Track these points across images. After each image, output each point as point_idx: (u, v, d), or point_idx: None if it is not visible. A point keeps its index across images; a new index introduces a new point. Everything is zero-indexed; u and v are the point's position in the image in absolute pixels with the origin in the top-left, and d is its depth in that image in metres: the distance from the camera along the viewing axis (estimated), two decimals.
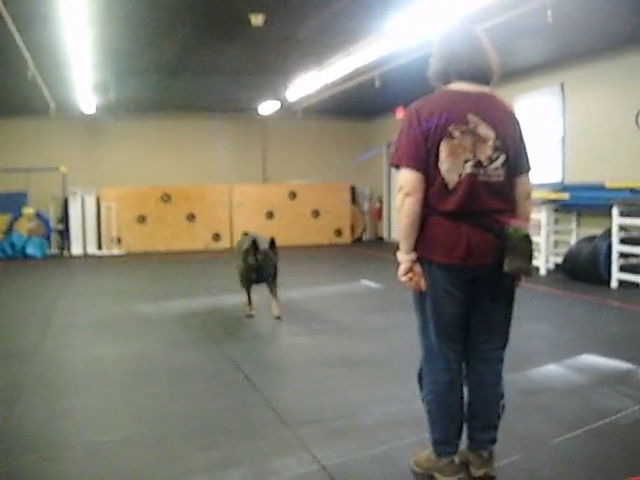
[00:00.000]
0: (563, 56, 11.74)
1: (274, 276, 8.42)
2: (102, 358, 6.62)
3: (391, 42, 9.62)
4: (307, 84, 13.64)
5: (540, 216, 11.65)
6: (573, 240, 11.90)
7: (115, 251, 17.04)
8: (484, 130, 3.48)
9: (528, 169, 3.67)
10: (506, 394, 3.72)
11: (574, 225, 12.10)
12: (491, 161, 3.49)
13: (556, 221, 12.34)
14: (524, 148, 3.65)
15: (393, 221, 19.14)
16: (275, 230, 17.94)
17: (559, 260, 11.61)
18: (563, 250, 11.73)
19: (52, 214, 17.15)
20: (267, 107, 17.10)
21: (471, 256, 3.45)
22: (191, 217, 17.75)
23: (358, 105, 17.75)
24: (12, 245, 16.14)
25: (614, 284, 10.11)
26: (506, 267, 3.42)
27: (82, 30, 8.74)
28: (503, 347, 3.70)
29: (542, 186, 12.13)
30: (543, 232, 11.70)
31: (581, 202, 11.53)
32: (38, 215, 16.72)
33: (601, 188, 10.82)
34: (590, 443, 4.22)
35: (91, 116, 17.00)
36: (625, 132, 10.91)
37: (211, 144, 18.95)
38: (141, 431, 4.63)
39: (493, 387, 3.65)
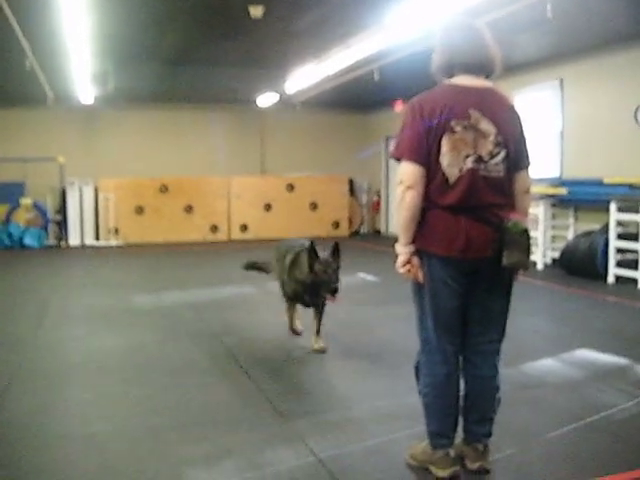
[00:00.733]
0: (562, 51, 11.74)
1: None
2: (97, 349, 6.62)
3: (390, 35, 9.60)
4: (306, 77, 13.61)
5: (538, 211, 11.65)
6: (570, 235, 11.91)
7: (113, 242, 17.03)
8: (485, 125, 3.50)
9: (528, 164, 3.69)
10: (502, 388, 3.73)
11: (572, 220, 12.11)
12: (492, 156, 3.51)
13: (554, 216, 12.35)
14: (524, 144, 3.67)
15: (391, 214, 19.14)
16: (273, 222, 18.09)
17: (556, 255, 11.62)
18: (560, 245, 11.75)
19: (50, 205, 17.13)
20: (266, 99, 17.07)
21: (470, 249, 3.47)
22: (189, 209, 17.74)
23: (357, 98, 17.74)
24: (9, 235, 16.14)
25: (611, 279, 10.12)
26: (505, 261, 3.44)
27: (81, 20, 8.71)
28: (500, 340, 3.72)
29: (540, 181, 12.13)
30: (541, 227, 11.71)
31: (579, 197, 11.54)
32: (36, 205, 16.71)
33: (599, 183, 10.83)
34: (584, 437, 4.23)
35: (89, 106, 16.95)
36: (623, 128, 10.91)
37: (209, 136, 18.91)
38: (135, 422, 4.64)
39: (489, 380, 3.67)
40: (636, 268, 9.74)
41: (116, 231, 17.15)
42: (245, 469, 3.81)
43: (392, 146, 3.66)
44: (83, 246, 16.74)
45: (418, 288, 3.66)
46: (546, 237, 12.04)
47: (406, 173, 3.49)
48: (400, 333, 6.61)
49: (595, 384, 5.35)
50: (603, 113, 11.46)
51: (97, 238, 17.14)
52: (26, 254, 15.11)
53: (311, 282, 5.96)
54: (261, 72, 14.13)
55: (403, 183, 3.50)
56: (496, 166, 3.52)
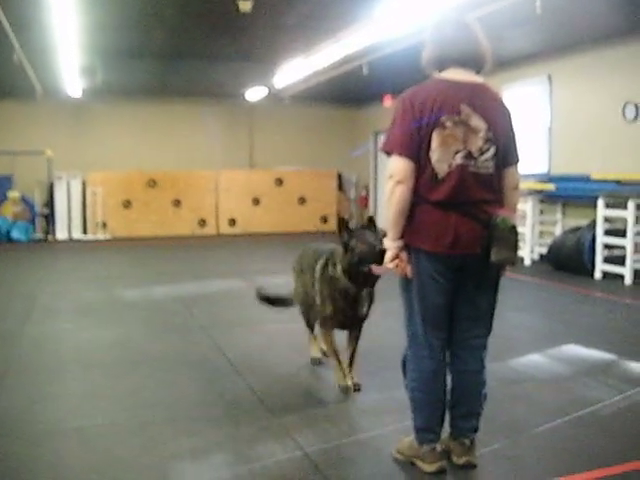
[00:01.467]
0: (551, 47, 11.76)
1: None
2: (87, 343, 6.61)
3: (379, 30, 9.59)
4: (295, 71, 13.60)
5: (526, 206, 11.67)
6: (558, 231, 11.94)
7: (100, 236, 16.97)
8: (476, 121, 3.50)
9: (517, 161, 3.70)
10: (488, 383, 3.75)
11: (559, 216, 12.14)
12: (481, 152, 3.51)
13: (541, 212, 12.38)
14: (514, 140, 3.68)
15: (379, 209, 19.14)
16: (261, 217, 18.09)
17: (544, 250, 11.65)
18: (548, 241, 11.78)
19: (37, 198, 17.03)
20: (254, 93, 17.04)
21: (458, 245, 3.48)
22: (177, 203, 17.69)
23: (346, 93, 17.72)
24: None
25: (598, 275, 10.16)
26: (493, 257, 3.45)
27: (69, 13, 8.66)
28: (486, 335, 3.74)
29: (528, 177, 12.15)
30: (528, 222, 11.73)
31: (567, 193, 11.57)
32: (23, 199, 16.64)
33: (587, 179, 10.87)
34: (571, 432, 4.26)
35: (77, 100, 16.86)
36: (611, 124, 10.95)
37: (198, 130, 18.86)
38: (125, 416, 4.64)
39: (476, 374, 3.69)
40: (623, 264, 9.78)
41: (104, 225, 17.10)
42: (233, 463, 3.82)
43: (382, 140, 3.66)
44: (71, 240, 16.67)
45: (406, 283, 3.66)
46: (534, 233, 12.07)
47: (396, 168, 3.49)
48: (388, 328, 6.61)
49: (582, 379, 5.38)
50: (591, 109, 11.50)
51: (85, 232, 17.07)
52: (13, 248, 15.05)
53: (356, 262, 4.54)
54: (250, 66, 14.09)
55: (393, 178, 3.50)
56: (485, 162, 3.52)
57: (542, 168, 12.53)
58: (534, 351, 6.20)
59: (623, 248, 9.84)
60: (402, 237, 3.58)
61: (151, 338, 6.85)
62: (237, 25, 10.45)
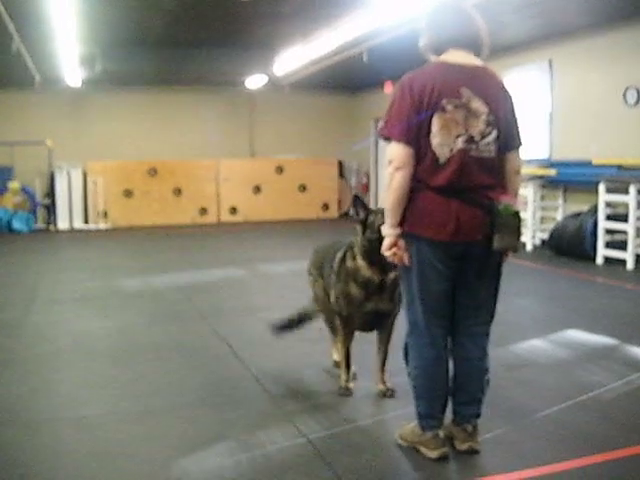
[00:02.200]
0: (551, 32, 11.70)
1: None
2: (87, 332, 6.61)
3: (379, 16, 9.55)
4: (294, 58, 13.55)
5: (527, 192, 11.66)
6: (559, 216, 11.92)
7: (101, 225, 16.96)
8: (477, 104, 3.47)
9: (519, 145, 3.67)
10: (491, 368, 3.74)
11: (561, 201, 12.12)
12: (483, 136, 3.48)
13: (543, 197, 12.36)
14: (516, 123, 3.65)
15: (380, 196, 19.12)
16: (262, 205, 18.08)
17: (545, 236, 11.64)
18: (549, 226, 11.76)
19: (38, 188, 17.04)
20: (254, 81, 16.97)
21: (460, 232, 3.45)
22: (177, 191, 17.67)
23: (346, 80, 17.67)
24: None
25: (599, 260, 10.15)
26: (495, 244, 3.43)
27: (68, 2, 8.62)
28: (489, 322, 3.72)
29: (529, 162, 12.13)
30: (530, 208, 11.72)
31: (568, 178, 11.55)
32: (24, 189, 16.61)
33: (588, 165, 10.84)
34: (573, 417, 4.26)
35: (77, 89, 16.81)
36: (613, 109, 10.91)
37: (198, 118, 18.82)
38: (126, 405, 4.64)
39: (478, 361, 3.68)
40: (625, 249, 9.77)
41: (105, 214, 17.08)
42: (235, 451, 3.82)
43: (380, 124, 3.62)
44: (72, 230, 16.66)
45: (407, 271, 3.63)
46: (535, 218, 12.06)
47: (395, 154, 3.46)
48: None
49: (584, 364, 5.38)
50: (592, 94, 11.45)
51: (86, 222, 17.07)
52: (14, 238, 15.04)
53: (376, 238, 4.03)
54: (250, 54, 14.04)
55: (392, 164, 3.47)
56: (487, 146, 3.50)
57: (543, 153, 12.50)
58: (536, 336, 6.20)
59: (625, 233, 9.83)
60: (401, 224, 3.55)
61: (152, 327, 6.85)
62: (236, 13, 10.40)
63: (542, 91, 12.57)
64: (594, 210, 10.36)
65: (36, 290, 8.67)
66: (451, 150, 3.44)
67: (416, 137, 3.44)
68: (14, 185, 16.32)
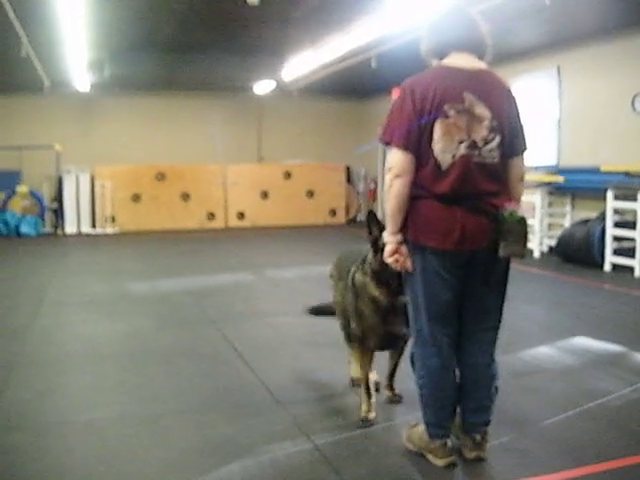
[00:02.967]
0: (560, 38, 11.69)
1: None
2: (95, 336, 6.62)
3: (388, 22, 9.56)
4: (303, 64, 13.57)
5: (535, 198, 11.65)
6: (567, 223, 11.90)
7: (109, 230, 16.99)
8: (480, 109, 3.43)
9: (523, 150, 3.63)
10: (498, 376, 3.73)
11: (568, 208, 12.10)
12: (486, 142, 3.44)
13: (550, 204, 12.34)
14: (520, 128, 3.60)
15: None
16: (269, 210, 18.07)
17: (553, 243, 11.62)
18: (557, 233, 11.74)
19: (46, 192, 17.07)
20: (263, 86, 17.01)
21: (465, 241, 3.42)
22: (185, 196, 17.68)
23: (354, 86, 17.68)
24: (6, 224, 16.07)
25: (607, 267, 10.12)
26: (501, 252, 3.40)
27: (77, 6, 8.66)
28: (496, 329, 3.70)
29: (537, 168, 12.12)
30: (537, 215, 11.70)
31: (576, 185, 11.53)
32: (32, 193, 16.65)
33: (596, 171, 10.81)
34: (581, 425, 4.25)
35: (86, 94, 16.87)
36: (621, 116, 10.89)
37: (206, 123, 18.83)
38: (135, 409, 4.65)
39: (485, 368, 3.66)
40: (633, 256, 9.75)
41: (113, 219, 17.11)
42: (242, 456, 3.82)
43: (380, 129, 3.59)
44: (79, 234, 16.69)
45: (412, 280, 3.61)
46: (543, 225, 12.04)
47: (395, 161, 3.44)
48: None
49: (591, 371, 5.37)
50: (601, 101, 11.44)
51: (93, 226, 17.09)
52: (22, 242, 15.07)
53: (386, 266, 3.77)
54: (258, 59, 14.05)
55: (392, 171, 3.45)
56: (490, 152, 3.46)
57: (551, 160, 12.48)
58: (543, 343, 6.19)
59: (633, 240, 9.81)
60: (401, 231, 3.53)
61: (160, 331, 6.86)
62: (245, 18, 10.43)
63: (550, 98, 12.56)
64: (602, 217, 10.34)
65: (44, 294, 8.69)
66: (453, 156, 3.40)
67: (417, 143, 3.41)
68: (22, 189, 16.36)
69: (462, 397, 3.69)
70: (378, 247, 3.88)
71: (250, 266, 11.05)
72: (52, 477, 3.63)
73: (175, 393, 4.97)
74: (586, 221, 10.83)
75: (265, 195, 18.24)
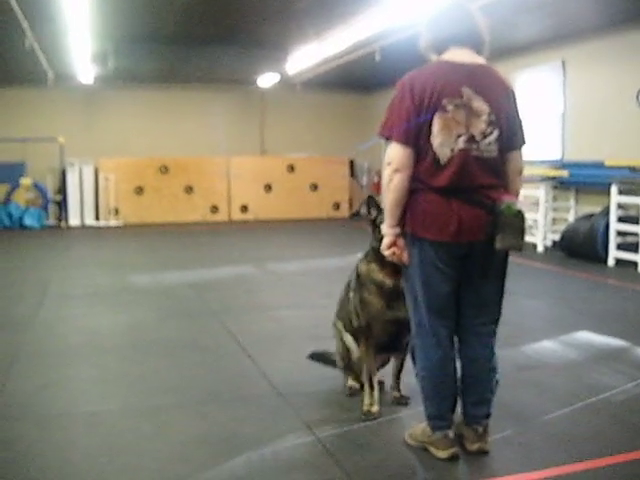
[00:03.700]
0: (564, 33, 11.66)
1: None
2: (98, 329, 6.63)
3: (392, 15, 9.54)
4: (307, 57, 13.56)
5: (539, 193, 11.64)
6: (571, 217, 11.89)
7: (112, 222, 17.00)
8: (478, 104, 3.45)
9: (522, 144, 3.65)
10: (500, 369, 3.73)
11: (572, 202, 12.08)
12: (484, 136, 3.46)
13: (555, 198, 12.32)
14: (519, 123, 3.62)
15: None
16: (273, 203, 18.07)
17: (557, 237, 11.60)
18: (561, 227, 11.72)
19: (50, 185, 17.10)
20: (266, 80, 16.99)
21: (462, 233, 3.44)
22: (189, 189, 17.69)
23: (358, 79, 17.66)
24: (9, 216, 16.11)
25: (611, 262, 10.11)
26: (498, 244, 3.41)
27: None
28: (495, 322, 3.71)
29: (541, 163, 12.10)
30: (541, 209, 11.69)
31: (580, 180, 11.52)
32: (36, 186, 16.67)
33: (600, 166, 10.79)
34: (583, 419, 4.24)
35: (89, 86, 16.89)
36: (625, 110, 10.86)
37: (210, 116, 18.84)
38: (137, 401, 4.65)
39: (485, 361, 3.66)
40: (636, 251, 9.73)
41: (116, 211, 17.12)
42: (244, 448, 3.82)
43: (380, 124, 3.59)
44: (83, 226, 16.71)
45: (410, 272, 3.62)
46: (547, 219, 12.03)
47: (394, 155, 3.46)
48: None
49: (594, 366, 5.36)
50: (605, 95, 11.41)
51: (97, 218, 17.11)
52: (26, 234, 15.10)
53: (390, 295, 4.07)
54: (262, 52, 14.05)
55: (391, 165, 3.47)
56: (489, 146, 3.47)
57: (555, 154, 12.47)
58: (546, 337, 6.18)
59: (636, 235, 9.79)
60: (399, 224, 3.55)
61: (163, 323, 6.86)
62: (249, 10, 10.41)
63: (555, 92, 12.54)
64: (606, 212, 10.32)
65: (47, 286, 8.70)
66: (452, 150, 3.42)
67: (416, 138, 3.43)
68: (26, 181, 16.37)
69: (463, 390, 3.70)
70: (377, 224, 4.05)
71: (253, 259, 11.05)
72: (54, 469, 3.64)
73: (177, 385, 4.97)
74: (590, 216, 10.82)
75: (268, 188, 18.24)
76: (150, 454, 3.79)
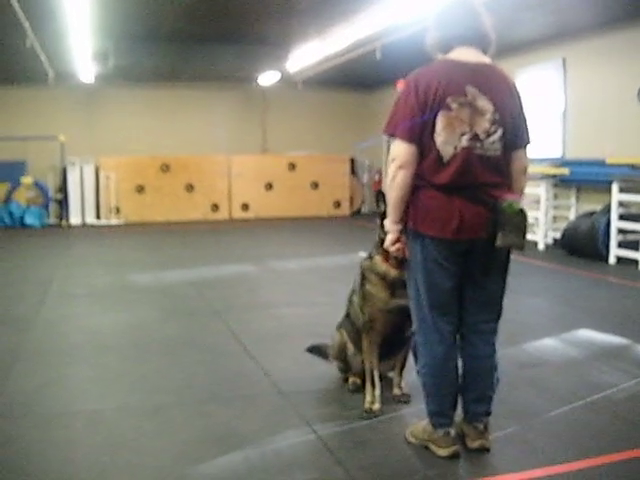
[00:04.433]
0: (565, 30, 11.65)
1: None
2: (99, 327, 6.63)
3: (393, 13, 9.54)
4: (308, 55, 13.55)
5: (540, 191, 11.63)
6: (572, 215, 11.88)
7: (113, 221, 17.01)
8: (482, 102, 3.46)
9: (527, 143, 3.65)
10: (501, 367, 3.74)
11: (573, 200, 12.07)
12: (488, 135, 3.47)
13: (555, 196, 12.32)
14: (524, 121, 3.63)
15: None
16: (274, 201, 18.07)
17: (558, 235, 11.60)
18: (562, 225, 11.72)
19: (51, 183, 17.09)
20: (267, 78, 16.98)
21: (464, 230, 3.46)
22: (190, 187, 17.68)
23: (359, 77, 17.66)
24: (10, 214, 16.11)
25: (612, 260, 10.11)
26: (498, 242, 3.43)
27: None
28: (497, 319, 3.72)
29: (542, 161, 12.09)
30: (542, 207, 11.68)
31: (581, 177, 11.50)
32: (37, 184, 16.67)
33: (601, 164, 10.79)
34: (584, 417, 4.25)
35: (90, 85, 16.89)
36: (626, 108, 10.85)
37: (211, 114, 18.85)
38: (138, 400, 4.65)
39: (487, 359, 3.67)
40: (637, 249, 9.73)
41: (117, 210, 17.12)
42: (246, 446, 3.82)
43: (385, 121, 3.60)
44: (84, 225, 16.71)
45: (413, 269, 3.65)
46: (547, 217, 12.03)
47: (398, 152, 3.48)
48: None
49: (596, 364, 5.36)
50: (606, 93, 11.40)
51: (98, 217, 17.11)
52: (27, 233, 15.09)
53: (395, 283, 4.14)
54: (263, 50, 14.05)
55: (395, 162, 3.49)
56: (493, 144, 3.49)
57: (556, 152, 12.46)
58: (547, 335, 6.18)
59: (638, 233, 9.79)
60: (407, 222, 3.58)
61: (164, 322, 6.86)
62: (250, 8, 10.41)
63: (556, 89, 12.53)
64: (607, 209, 10.32)
65: (48, 285, 8.70)
66: (455, 148, 3.44)
67: (420, 135, 3.45)
68: (27, 180, 16.37)
69: (464, 387, 3.71)
70: (385, 218, 3.90)
71: (254, 257, 11.05)
72: (55, 467, 3.64)
73: (178, 384, 4.97)
74: (591, 214, 10.81)
75: (269, 186, 18.23)
76: (151, 452, 3.80)
